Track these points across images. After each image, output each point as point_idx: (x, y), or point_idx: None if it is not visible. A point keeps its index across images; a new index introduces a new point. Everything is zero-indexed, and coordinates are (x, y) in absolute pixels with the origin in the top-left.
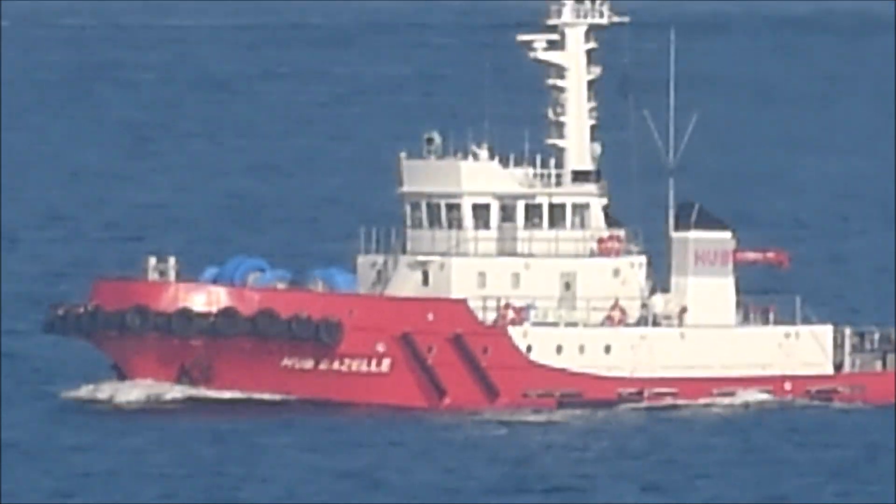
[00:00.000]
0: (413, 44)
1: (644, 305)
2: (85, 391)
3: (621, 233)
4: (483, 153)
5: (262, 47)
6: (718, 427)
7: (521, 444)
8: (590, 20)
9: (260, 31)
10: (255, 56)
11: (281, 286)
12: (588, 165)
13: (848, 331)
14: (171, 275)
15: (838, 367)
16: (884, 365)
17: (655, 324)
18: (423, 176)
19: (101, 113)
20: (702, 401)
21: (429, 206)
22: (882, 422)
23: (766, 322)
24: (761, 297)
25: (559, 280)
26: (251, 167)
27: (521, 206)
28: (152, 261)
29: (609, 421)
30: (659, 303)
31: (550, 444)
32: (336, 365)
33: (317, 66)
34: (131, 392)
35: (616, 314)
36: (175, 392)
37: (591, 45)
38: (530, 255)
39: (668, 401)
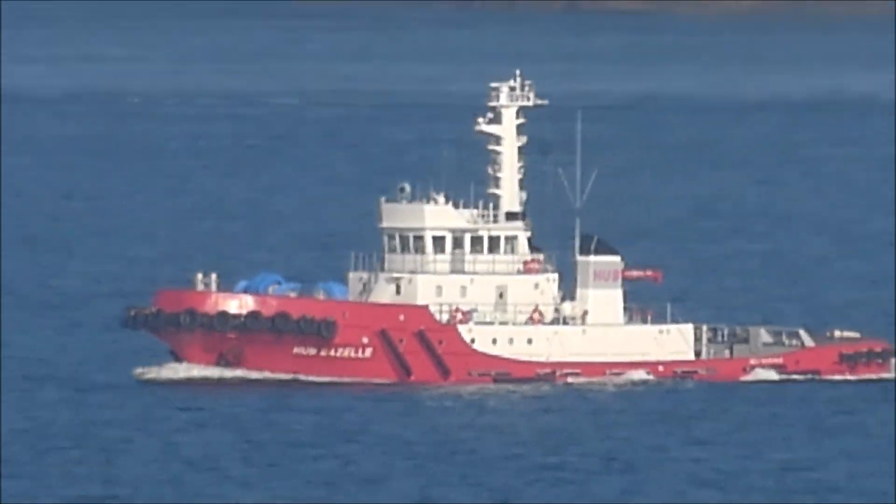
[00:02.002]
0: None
1: (556, 310)
2: (147, 372)
3: (541, 257)
4: (441, 199)
5: None
6: (616, 401)
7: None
8: (519, 103)
9: None
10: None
11: (293, 295)
12: (517, 208)
13: (705, 327)
14: (213, 286)
15: (697, 354)
16: (731, 353)
17: (564, 323)
18: (396, 215)
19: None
20: (602, 380)
21: (401, 237)
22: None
23: (645, 321)
24: (643, 303)
25: (495, 291)
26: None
27: (467, 238)
28: (199, 275)
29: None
30: (567, 308)
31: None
32: (332, 352)
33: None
34: (180, 373)
35: (536, 316)
36: (215, 373)
37: (521, 120)
38: (474, 273)
39: (575, 379)
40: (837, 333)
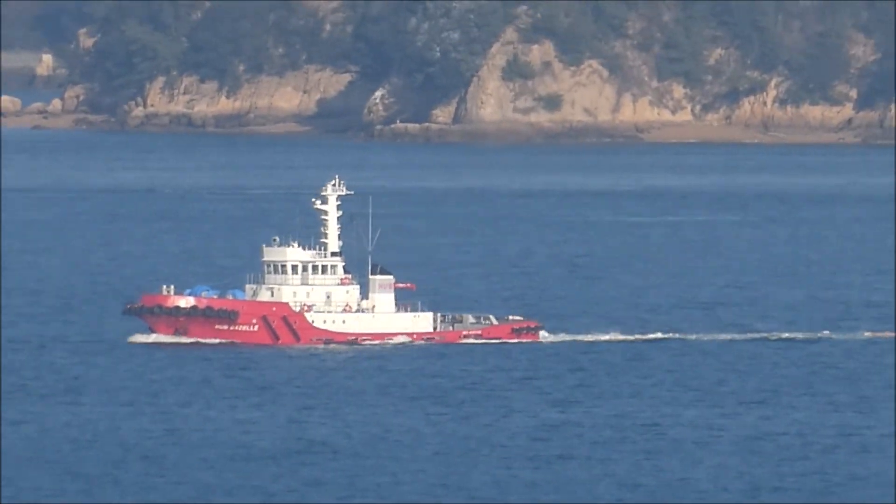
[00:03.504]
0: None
1: (358, 304)
2: (135, 338)
3: (350, 276)
4: (296, 244)
5: None
6: (390, 352)
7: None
8: (338, 193)
9: None
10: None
11: (215, 296)
12: (337, 249)
13: (438, 314)
14: (172, 291)
15: (435, 329)
16: (453, 328)
17: (363, 312)
18: (271, 253)
19: None
20: (383, 342)
21: (273, 265)
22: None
23: (406, 311)
24: (406, 300)
25: (325, 295)
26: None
27: (311, 266)
28: (164, 286)
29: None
30: (365, 304)
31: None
32: (237, 328)
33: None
34: (153, 339)
35: (347, 308)
36: (172, 339)
37: (339, 202)
38: (314, 284)
39: (369, 342)
40: (511, 317)
